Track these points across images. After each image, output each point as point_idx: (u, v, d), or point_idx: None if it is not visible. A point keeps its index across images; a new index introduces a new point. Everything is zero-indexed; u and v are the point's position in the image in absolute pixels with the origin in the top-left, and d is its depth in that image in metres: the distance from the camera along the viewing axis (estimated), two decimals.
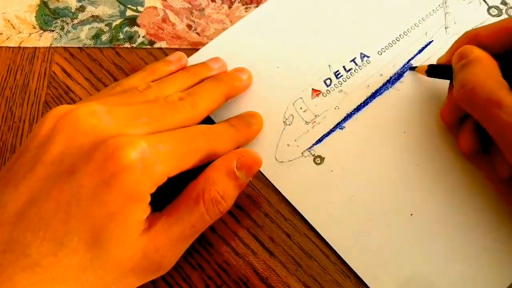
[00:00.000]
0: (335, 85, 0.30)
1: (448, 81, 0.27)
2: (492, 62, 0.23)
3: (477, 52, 0.23)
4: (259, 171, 0.28)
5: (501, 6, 0.32)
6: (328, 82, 0.30)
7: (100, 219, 0.19)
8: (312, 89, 0.30)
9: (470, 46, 0.24)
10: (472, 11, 0.31)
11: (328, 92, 0.30)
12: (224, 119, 0.28)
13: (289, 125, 0.29)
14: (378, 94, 0.29)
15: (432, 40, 0.31)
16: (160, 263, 0.22)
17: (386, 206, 0.27)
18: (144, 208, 0.20)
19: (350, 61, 0.30)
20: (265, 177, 0.28)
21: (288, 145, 0.28)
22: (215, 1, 0.33)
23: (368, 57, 0.30)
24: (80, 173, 0.19)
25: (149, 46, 0.32)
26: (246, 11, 0.33)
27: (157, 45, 0.32)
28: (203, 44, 0.32)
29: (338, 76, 0.30)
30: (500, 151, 0.23)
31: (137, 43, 0.32)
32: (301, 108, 0.29)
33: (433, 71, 0.28)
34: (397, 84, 0.30)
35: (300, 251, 0.26)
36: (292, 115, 0.29)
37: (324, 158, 0.28)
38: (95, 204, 0.19)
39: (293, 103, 0.29)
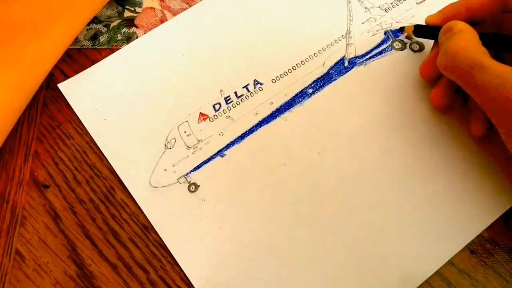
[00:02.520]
0: (224, 111, 0.29)
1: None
2: (474, 33, 0.25)
3: (460, 25, 0.25)
4: (131, 194, 0.27)
5: (406, 40, 0.31)
6: (217, 107, 0.29)
7: None
8: (200, 113, 0.29)
9: (455, 21, 0.26)
10: (375, 44, 0.31)
11: (216, 117, 0.29)
12: (109, 141, 0.28)
13: (170, 148, 0.28)
14: (265, 122, 0.29)
15: (329, 72, 0.30)
16: None
17: (252, 240, 0.26)
18: None
19: (243, 87, 0.30)
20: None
21: (165, 169, 0.27)
22: None
23: (261, 84, 0.30)
24: None
25: None
26: None
27: None
28: None
29: (228, 101, 0.29)
30: (474, 111, 0.26)
31: None
32: (185, 132, 0.28)
33: (420, 31, 0.29)
34: (286, 114, 0.29)
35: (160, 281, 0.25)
36: (175, 138, 0.28)
37: (199, 186, 0.27)
38: None
39: (178, 126, 0.29)
